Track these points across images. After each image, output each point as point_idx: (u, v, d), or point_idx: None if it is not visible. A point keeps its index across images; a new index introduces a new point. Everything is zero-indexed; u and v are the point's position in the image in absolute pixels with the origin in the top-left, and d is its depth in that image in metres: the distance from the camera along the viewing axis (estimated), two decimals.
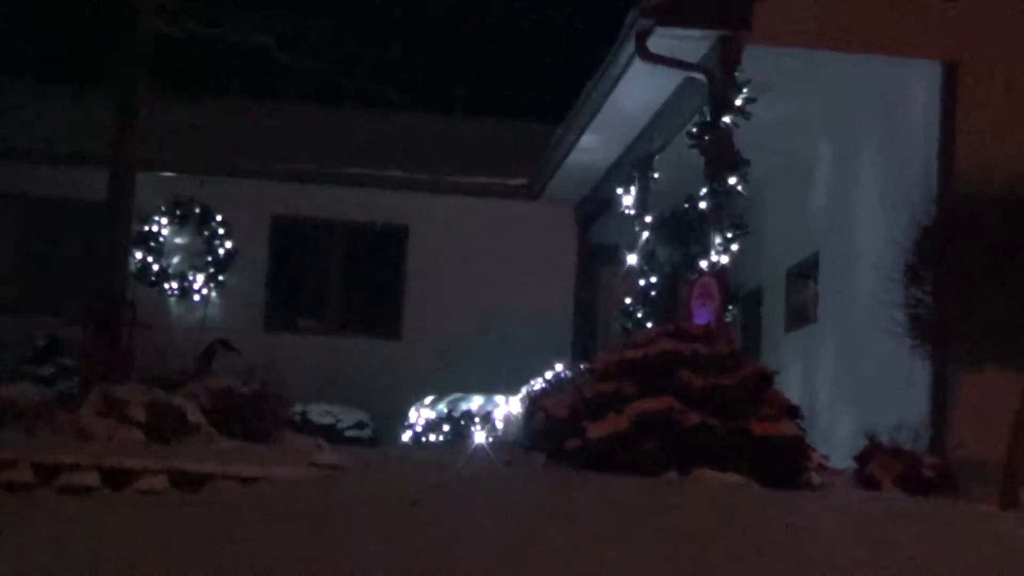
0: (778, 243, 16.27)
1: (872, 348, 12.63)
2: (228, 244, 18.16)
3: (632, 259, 15.37)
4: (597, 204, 17.78)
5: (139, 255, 17.67)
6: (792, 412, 10.19)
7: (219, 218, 18.15)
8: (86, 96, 18.00)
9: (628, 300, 15.31)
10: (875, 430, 10.84)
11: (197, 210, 18.13)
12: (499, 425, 15.11)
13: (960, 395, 11.72)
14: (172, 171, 17.99)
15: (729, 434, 9.74)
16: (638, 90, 13.84)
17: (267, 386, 10.80)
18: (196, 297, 18.09)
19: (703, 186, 12.53)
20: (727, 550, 7.46)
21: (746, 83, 12.30)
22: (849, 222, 14.24)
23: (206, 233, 18.18)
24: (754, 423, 9.82)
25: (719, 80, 12.34)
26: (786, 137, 14.71)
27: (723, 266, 12.38)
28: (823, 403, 14.13)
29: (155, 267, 18.02)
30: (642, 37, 12.40)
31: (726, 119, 12.33)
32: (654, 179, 15.27)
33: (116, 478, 8.68)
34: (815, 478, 10.02)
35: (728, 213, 12.50)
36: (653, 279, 15.16)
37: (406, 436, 16.08)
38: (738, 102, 12.31)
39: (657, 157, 15.13)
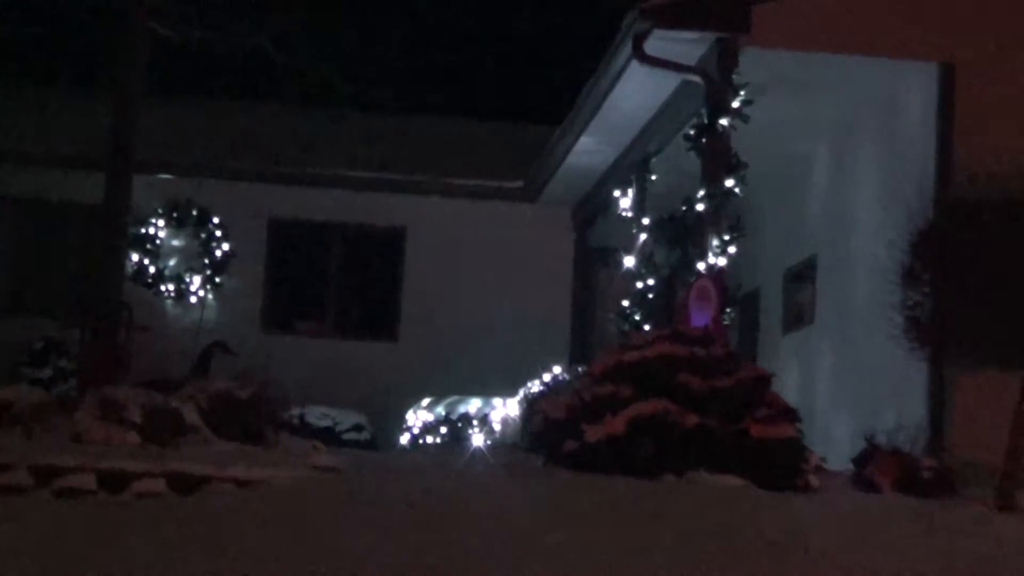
0: (776, 245, 16.28)
1: (870, 350, 12.64)
2: (225, 246, 18.16)
3: (630, 261, 15.36)
4: (595, 206, 17.78)
5: (136, 257, 17.66)
6: (790, 414, 10.19)
7: (216, 220, 18.15)
8: (83, 98, 18.00)
9: (626, 302, 15.31)
10: (873, 432, 10.84)
11: (194, 212, 18.13)
12: (497, 427, 15.12)
13: (958, 397, 11.72)
14: (169, 173, 18.00)
15: (727, 436, 9.74)
16: (636, 92, 13.84)
17: (264, 389, 10.78)
18: (193, 299, 18.08)
19: (700, 188, 12.53)
20: (724, 552, 7.45)
21: (743, 85, 12.30)
22: (846, 224, 14.24)
23: (203, 235, 18.17)
24: (752, 425, 9.82)
25: (716, 82, 12.34)
26: (783, 139, 14.72)
27: (721, 268, 12.38)
28: (821, 405, 14.13)
29: (152, 269, 18.01)
30: (639, 39, 12.40)
31: (723, 121, 12.33)
32: (652, 181, 15.28)
33: (113, 481, 8.67)
34: (813, 480, 10.01)
35: (726, 215, 12.50)
36: (651, 281, 15.16)
37: (404, 439, 16.07)
38: (735, 104, 12.31)
39: (655, 159, 15.14)
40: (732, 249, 12.48)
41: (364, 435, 16.62)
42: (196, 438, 9.77)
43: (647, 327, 14.36)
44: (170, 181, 18.02)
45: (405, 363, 17.97)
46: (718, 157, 12.40)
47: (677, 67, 12.69)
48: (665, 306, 15.25)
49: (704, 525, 8.08)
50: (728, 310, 12.61)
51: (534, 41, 25.81)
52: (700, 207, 12.56)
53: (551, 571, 7.00)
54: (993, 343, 9.66)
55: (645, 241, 15.34)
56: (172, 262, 18.15)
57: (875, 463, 10.53)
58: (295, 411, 15.16)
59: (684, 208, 14.73)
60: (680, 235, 15.28)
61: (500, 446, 12.81)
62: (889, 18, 12.52)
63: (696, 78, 12.61)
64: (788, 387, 13.61)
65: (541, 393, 14.11)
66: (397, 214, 18.66)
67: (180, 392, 10.52)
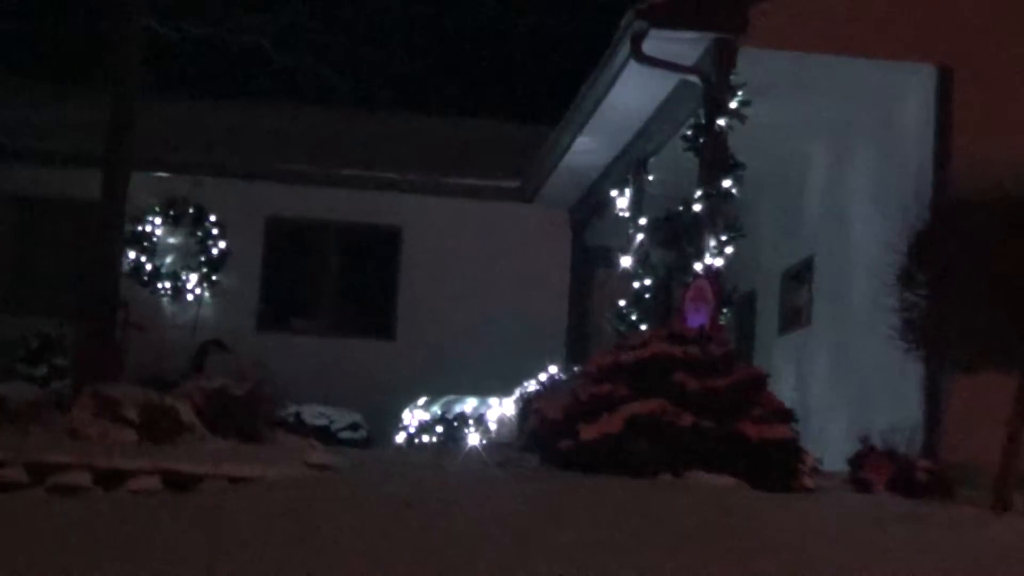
0: (772, 246, 16.28)
1: (866, 351, 12.65)
2: (221, 244, 18.15)
3: (626, 261, 15.36)
4: (591, 206, 17.78)
5: (132, 255, 17.64)
6: (785, 415, 10.20)
7: (213, 218, 18.13)
8: (79, 95, 17.98)
9: (622, 302, 15.31)
10: (868, 433, 10.85)
11: (191, 210, 18.11)
12: (493, 427, 15.11)
13: (953, 399, 11.72)
14: (166, 171, 17.97)
15: (722, 436, 9.75)
16: (633, 92, 13.84)
17: (260, 387, 10.78)
18: (189, 297, 18.07)
19: (698, 189, 12.54)
20: (719, 553, 7.46)
21: (741, 86, 12.31)
22: (843, 226, 14.25)
23: (199, 233, 18.15)
24: (748, 425, 9.83)
25: (714, 83, 12.35)
26: (781, 140, 14.72)
27: (717, 269, 12.38)
28: (816, 406, 14.13)
29: (148, 267, 18.00)
30: (637, 39, 12.40)
31: (721, 122, 12.34)
32: (649, 182, 15.28)
33: (109, 478, 8.67)
34: (808, 481, 10.02)
35: (722, 216, 12.50)
36: (647, 281, 15.16)
37: (400, 438, 16.07)
38: (733, 105, 12.31)
39: (652, 160, 15.14)
40: (729, 250, 12.49)
41: (360, 434, 16.60)
42: (192, 436, 9.77)
43: (644, 327, 14.36)
44: (167, 179, 18.00)
45: (401, 362, 17.96)
46: (715, 157, 12.41)
47: (675, 67, 12.70)
48: (662, 306, 15.25)
49: (699, 525, 8.08)
50: (725, 310, 12.61)
51: (532, 40, 25.81)
52: (697, 207, 12.56)
53: (546, 571, 7.00)
54: (989, 345, 9.66)
55: (642, 241, 15.33)
56: (169, 260, 18.13)
57: (870, 464, 10.55)
58: (291, 409, 15.19)
59: (681, 208, 14.70)
60: (677, 235, 15.25)
61: (496, 445, 12.80)
62: (887, 20, 12.53)
63: (694, 78, 12.62)
64: (784, 388, 13.63)
65: (537, 392, 14.11)
66: (394, 213, 18.66)
67: (176, 390, 10.52)
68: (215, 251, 18.14)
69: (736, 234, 12.68)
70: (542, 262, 18.53)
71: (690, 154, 12.62)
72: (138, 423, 9.61)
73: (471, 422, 15.48)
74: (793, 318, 15.79)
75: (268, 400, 10.72)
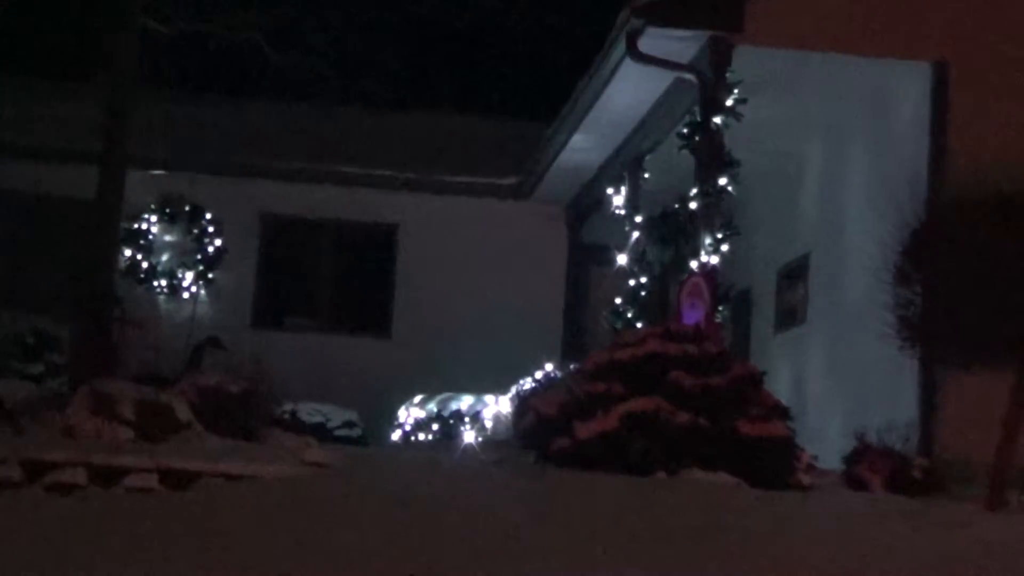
0: (768, 244, 16.28)
1: (861, 349, 12.65)
2: (217, 242, 18.14)
3: (622, 259, 15.37)
4: (588, 204, 17.78)
5: (128, 252, 17.64)
6: (781, 412, 10.21)
7: (209, 216, 18.13)
8: (75, 93, 17.96)
9: (618, 300, 15.32)
10: (864, 431, 10.86)
11: (187, 208, 18.11)
12: (488, 424, 15.12)
13: (948, 396, 11.73)
14: (162, 169, 17.96)
15: (718, 434, 9.75)
16: (629, 90, 13.84)
17: (256, 384, 10.77)
18: (185, 295, 18.07)
19: (693, 186, 12.54)
20: (715, 550, 7.46)
21: (737, 84, 12.31)
22: (839, 223, 14.25)
23: (195, 231, 18.15)
24: (743, 423, 9.84)
25: (710, 81, 12.36)
26: (776, 138, 14.73)
27: (713, 267, 12.39)
28: (812, 403, 14.14)
29: (144, 265, 17.99)
30: (633, 37, 12.41)
31: (717, 120, 12.34)
32: (645, 179, 15.28)
33: (105, 476, 8.66)
34: (804, 478, 10.03)
35: (718, 213, 12.51)
36: (643, 279, 15.17)
37: (395, 435, 16.07)
38: (729, 103, 12.32)
39: (648, 157, 15.14)
40: (725, 247, 12.50)
41: (356, 432, 16.59)
42: (188, 433, 9.76)
43: (639, 325, 14.37)
44: (163, 176, 18.00)
45: (397, 360, 17.95)
46: (711, 155, 12.42)
47: (671, 65, 12.70)
48: (658, 304, 15.26)
49: (695, 523, 8.09)
50: (721, 308, 12.63)
51: (528, 38, 25.79)
52: (693, 205, 12.57)
53: (542, 568, 7.00)
54: (984, 343, 9.67)
55: (638, 239, 15.34)
56: (165, 257, 18.13)
57: (866, 462, 10.56)
58: (287, 407, 15.16)
59: (677, 206, 14.74)
60: (673, 233, 15.28)
61: (492, 443, 12.82)
62: (882, 17, 12.53)
63: (690, 76, 12.62)
64: (780, 385, 13.62)
65: (533, 390, 14.12)
66: (390, 210, 18.65)
67: (172, 387, 10.52)
68: (211, 249, 18.14)
69: (732, 232, 12.69)
70: (538, 260, 18.52)
71: (686, 152, 12.63)
72: (134, 421, 9.61)
73: (467, 420, 15.49)
74: (789, 316, 15.80)
75: (264, 398, 10.72)
